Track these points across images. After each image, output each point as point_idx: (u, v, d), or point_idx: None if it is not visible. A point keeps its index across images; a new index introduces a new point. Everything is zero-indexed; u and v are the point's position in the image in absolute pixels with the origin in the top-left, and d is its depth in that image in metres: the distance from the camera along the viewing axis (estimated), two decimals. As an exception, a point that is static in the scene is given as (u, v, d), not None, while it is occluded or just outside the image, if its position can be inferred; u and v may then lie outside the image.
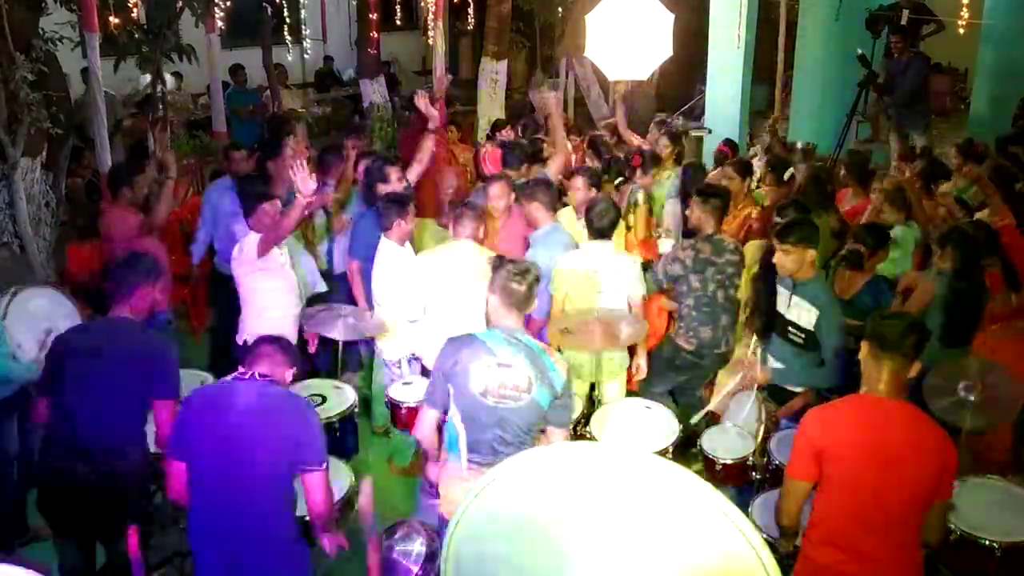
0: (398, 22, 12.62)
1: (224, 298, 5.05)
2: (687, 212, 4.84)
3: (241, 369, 2.97)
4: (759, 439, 3.78)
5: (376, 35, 10.57)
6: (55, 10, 6.60)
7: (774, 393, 4.05)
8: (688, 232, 5.20)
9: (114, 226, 4.93)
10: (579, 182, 5.09)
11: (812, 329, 3.84)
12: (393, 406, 4.28)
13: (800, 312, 3.87)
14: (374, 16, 10.40)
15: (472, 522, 1.52)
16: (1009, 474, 3.64)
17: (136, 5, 7.24)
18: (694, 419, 4.18)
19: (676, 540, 1.38)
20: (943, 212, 5.33)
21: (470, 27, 12.21)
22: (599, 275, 4.21)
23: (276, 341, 3.13)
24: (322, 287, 5.04)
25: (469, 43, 14.59)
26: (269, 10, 10.25)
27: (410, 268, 4.48)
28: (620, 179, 5.97)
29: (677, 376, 4.64)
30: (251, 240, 4.43)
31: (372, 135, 10.37)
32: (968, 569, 3.20)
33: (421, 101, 5.47)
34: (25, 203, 5.57)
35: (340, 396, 4.15)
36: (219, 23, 8.62)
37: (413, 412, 3.98)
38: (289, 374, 3.09)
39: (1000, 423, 3.81)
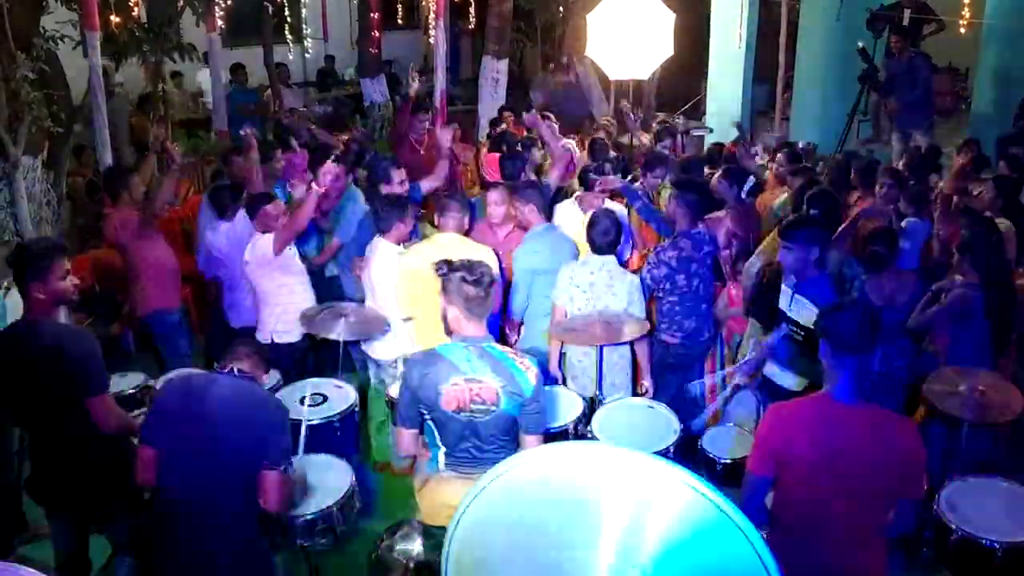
0: (399, 21, 12.63)
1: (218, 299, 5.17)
2: (667, 207, 4.82)
3: (220, 363, 3.00)
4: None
5: (377, 34, 10.58)
6: (56, 9, 6.60)
7: (773, 392, 4.06)
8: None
9: (119, 229, 4.96)
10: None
11: (813, 328, 3.83)
12: (394, 406, 4.28)
13: (801, 311, 3.88)
14: (375, 15, 10.40)
15: (472, 522, 1.52)
16: (1009, 474, 3.65)
17: (137, 4, 7.25)
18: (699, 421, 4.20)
19: (676, 540, 1.38)
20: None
21: (471, 26, 12.21)
22: (595, 289, 4.21)
23: (253, 344, 3.20)
24: None
25: (470, 42, 14.60)
26: (270, 9, 10.25)
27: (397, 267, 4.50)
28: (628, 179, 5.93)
29: (674, 376, 4.65)
30: (263, 241, 4.49)
31: (373, 134, 10.38)
32: (968, 569, 3.20)
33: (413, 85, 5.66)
34: (26, 202, 5.58)
35: (341, 395, 4.15)
36: (220, 22, 8.62)
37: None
38: (264, 377, 3.16)
39: (1000, 422, 3.81)
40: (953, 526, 3.19)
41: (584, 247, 4.53)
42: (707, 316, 4.60)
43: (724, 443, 3.89)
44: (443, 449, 3.03)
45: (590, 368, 4.28)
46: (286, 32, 11.77)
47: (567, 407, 4.11)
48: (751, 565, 1.34)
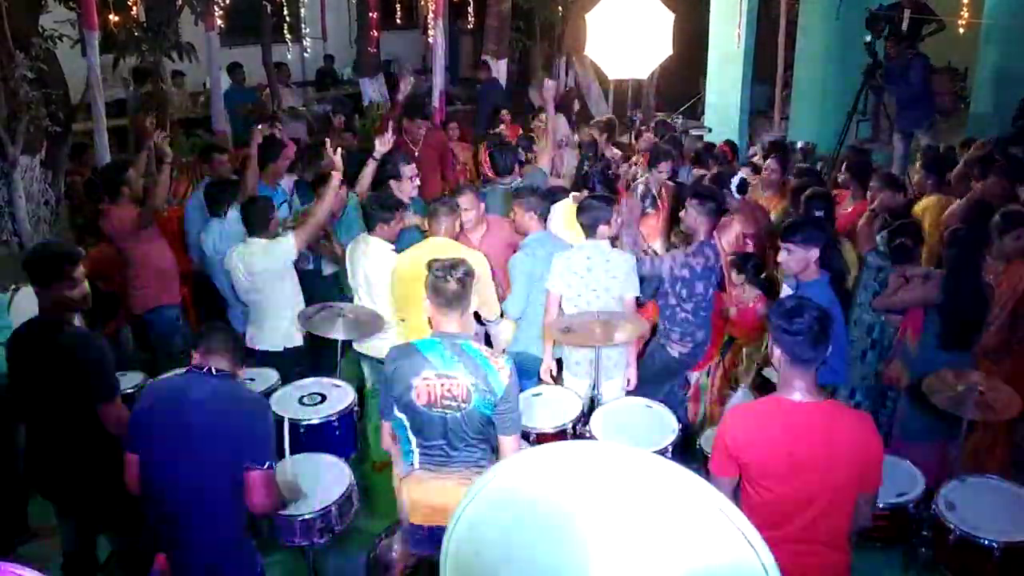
0: (398, 21, 12.62)
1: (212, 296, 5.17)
2: (682, 214, 4.81)
3: (197, 360, 2.93)
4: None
5: (376, 34, 10.57)
6: (54, 8, 6.60)
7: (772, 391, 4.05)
8: None
9: (117, 226, 4.95)
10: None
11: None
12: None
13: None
14: (374, 15, 10.40)
15: (471, 521, 1.52)
16: (1009, 474, 3.65)
17: (135, 3, 7.25)
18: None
19: (675, 539, 1.38)
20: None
21: (470, 26, 12.20)
22: (592, 274, 4.21)
23: (229, 330, 3.13)
24: None
25: (469, 42, 14.59)
26: (269, 8, 10.24)
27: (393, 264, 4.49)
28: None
29: (671, 380, 4.66)
30: (283, 248, 4.50)
31: (372, 134, 10.35)
32: (967, 569, 3.20)
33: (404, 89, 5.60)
34: (24, 201, 5.57)
35: (340, 395, 4.14)
36: (218, 21, 8.61)
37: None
38: (242, 372, 3.08)
39: (1000, 422, 3.81)
40: (952, 526, 3.19)
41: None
42: (710, 324, 4.62)
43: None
44: (416, 450, 3.06)
45: (587, 364, 4.30)
46: (285, 31, 11.76)
47: (566, 407, 4.11)
48: (751, 565, 1.34)
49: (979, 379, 3.59)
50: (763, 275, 4.87)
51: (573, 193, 5.42)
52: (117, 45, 7.47)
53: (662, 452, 3.68)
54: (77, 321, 3.62)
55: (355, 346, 4.62)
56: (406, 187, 5.08)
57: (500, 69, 10.73)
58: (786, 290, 4.01)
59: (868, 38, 8.61)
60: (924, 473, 3.56)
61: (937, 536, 3.29)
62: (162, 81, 8.40)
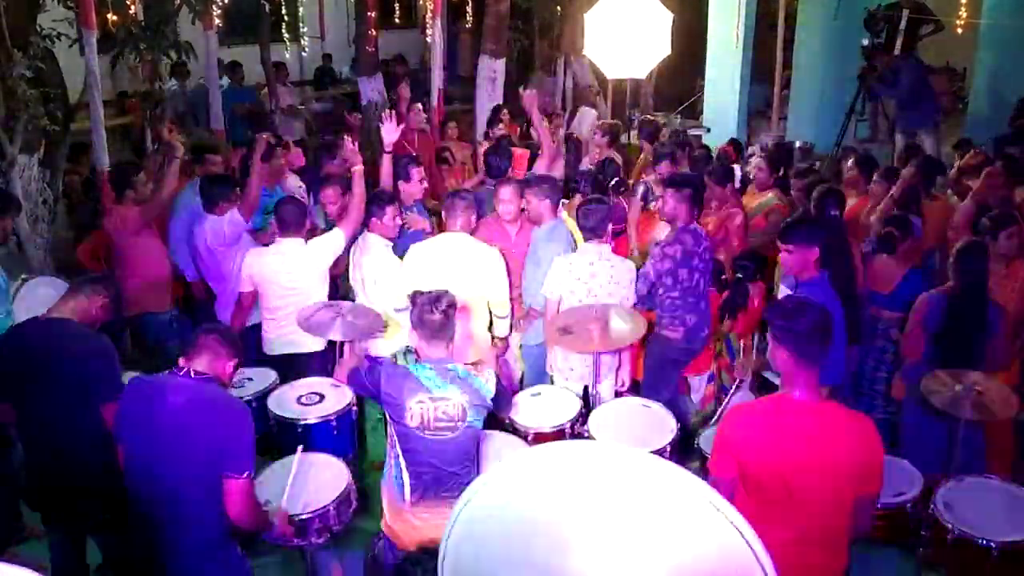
0: (397, 20, 12.60)
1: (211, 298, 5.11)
2: (658, 204, 4.83)
3: (181, 361, 2.89)
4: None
5: (374, 33, 10.55)
6: (52, 7, 6.58)
7: (771, 392, 4.05)
8: None
9: (118, 225, 4.95)
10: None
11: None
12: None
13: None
14: (372, 14, 10.38)
15: (469, 522, 1.52)
16: (1009, 474, 3.65)
17: (134, 2, 7.23)
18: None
19: (673, 537, 1.38)
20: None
21: (469, 25, 12.19)
22: (596, 280, 4.21)
23: (217, 331, 3.04)
24: None
25: (468, 41, 14.57)
26: (267, 7, 10.23)
27: (393, 261, 4.50)
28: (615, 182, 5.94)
29: (674, 371, 4.66)
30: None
31: (371, 133, 10.34)
32: (965, 569, 3.20)
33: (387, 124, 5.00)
34: (22, 200, 5.56)
35: (338, 395, 4.14)
36: (217, 20, 8.59)
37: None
38: (231, 365, 2.98)
39: (999, 422, 3.81)
40: (950, 526, 3.19)
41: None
42: (706, 313, 4.61)
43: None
44: (408, 479, 3.11)
45: (584, 365, 4.30)
46: (283, 31, 11.74)
47: (564, 407, 4.11)
48: (748, 564, 1.34)
49: (977, 379, 3.58)
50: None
51: (564, 200, 5.41)
52: (115, 44, 7.45)
53: (660, 452, 3.68)
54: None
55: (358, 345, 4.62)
56: (415, 189, 5.05)
57: (498, 68, 10.71)
58: (784, 290, 4.01)
59: (865, 41, 8.61)
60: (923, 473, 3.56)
61: (935, 536, 3.29)
62: (161, 80, 8.39)
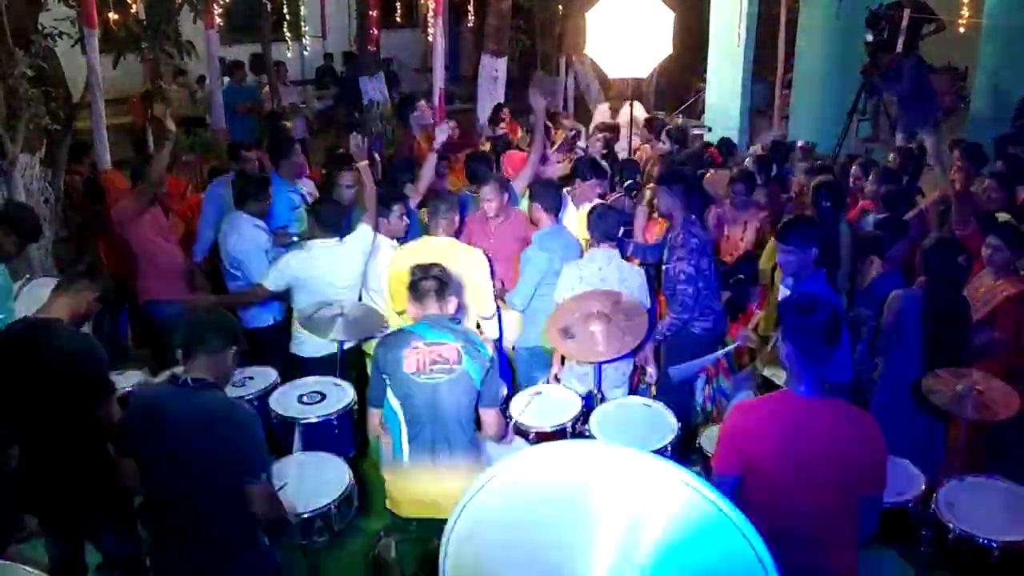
0: (398, 19, 12.61)
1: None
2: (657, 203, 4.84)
3: (179, 369, 2.81)
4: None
5: (376, 32, 10.55)
6: (54, 6, 6.60)
7: (772, 390, 4.05)
8: None
9: (119, 213, 4.98)
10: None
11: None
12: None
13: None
14: (374, 13, 10.38)
15: (471, 521, 1.52)
16: (1008, 474, 3.64)
17: (135, 1, 7.23)
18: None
19: (674, 539, 1.38)
20: None
21: (470, 24, 12.20)
22: (607, 284, 4.21)
23: (206, 322, 2.88)
24: None
25: (470, 40, 14.58)
26: (268, 7, 10.23)
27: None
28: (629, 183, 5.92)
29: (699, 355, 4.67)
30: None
31: (370, 133, 10.36)
32: (966, 568, 3.20)
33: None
34: (24, 199, 5.56)
35: (339, 393, 4.14)
36: (218, 19, 8.61)
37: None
38: (230, 355, 2.82)
39: (998, 422, 3.80)
40: (951, 525, 3.19)
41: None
42: (722, 300, 4.73)
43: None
44: (407, 446, 3.16)
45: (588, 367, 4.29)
46: (284, 30, 11.75)
47: (565, 406, 4.11)
48: (749, 564, 1.34)
49: (977, 378, 3.58)
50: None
51: (566, 189, 5.40)
52: (117, 43, 7.47)
53: (661, 451, 3.68)
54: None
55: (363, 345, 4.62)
56: (423, 190, 5.15)
57: (499, 67, 10.72)
58: (783, 291, 4.00)
59: (869, 37, 8.61)
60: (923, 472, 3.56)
61: (937, 535, 3.28)
62: (161, 79, 8.40)
